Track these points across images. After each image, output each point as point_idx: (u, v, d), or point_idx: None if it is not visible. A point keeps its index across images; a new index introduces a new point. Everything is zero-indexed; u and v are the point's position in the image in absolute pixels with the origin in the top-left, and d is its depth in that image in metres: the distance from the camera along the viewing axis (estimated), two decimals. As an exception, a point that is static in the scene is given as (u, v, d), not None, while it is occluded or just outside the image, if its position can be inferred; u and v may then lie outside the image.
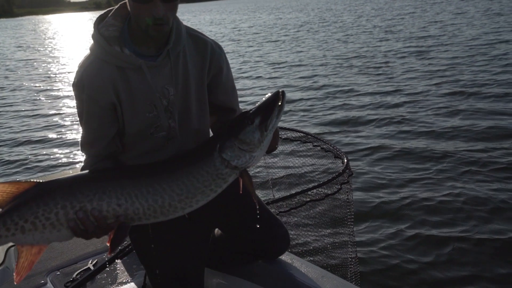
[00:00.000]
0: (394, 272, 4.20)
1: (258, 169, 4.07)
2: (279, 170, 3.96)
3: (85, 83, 2.06)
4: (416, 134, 7.61)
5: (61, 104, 13.41)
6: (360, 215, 5.02)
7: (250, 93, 12.38)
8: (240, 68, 16.51)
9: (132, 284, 2.96)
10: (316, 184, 3.02)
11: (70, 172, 4.45)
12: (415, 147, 6.98)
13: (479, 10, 28.33)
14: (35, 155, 8.97)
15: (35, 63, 24.63)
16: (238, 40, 27.35)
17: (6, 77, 20.28)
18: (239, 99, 2.48)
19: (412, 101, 9.62)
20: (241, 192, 2.01)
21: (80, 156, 8.47)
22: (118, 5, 2.13)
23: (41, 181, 1.90)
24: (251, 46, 23.43)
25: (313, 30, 28.28)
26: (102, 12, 2.21)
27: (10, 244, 3.19)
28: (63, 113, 12.19)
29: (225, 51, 2.32)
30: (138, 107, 2.11)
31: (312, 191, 3.01)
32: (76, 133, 10.11)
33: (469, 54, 14.06)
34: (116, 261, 3.03)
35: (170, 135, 2.20)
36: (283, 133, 3.58)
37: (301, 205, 3.01)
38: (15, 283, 1.86)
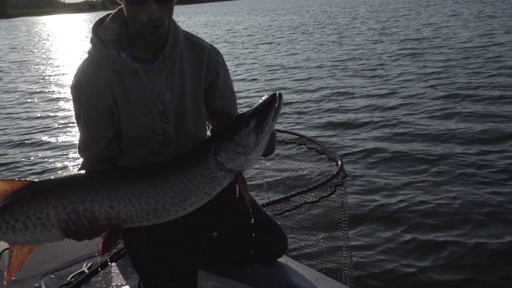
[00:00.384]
0: (390, 276, 4.19)
1: (252, 172, 4.05)
2: (274, 172, 3.95)
3: (82, 86, 2.07)
4: (412, 137, 7.61)
5: (55, 107, 13.32)
6: (356, 218, 5.01)
7: (245, 96, 12.36)
8: (235, 71, 16.48)
9: (127, 287, 2.95)
10: (310, 186, 3.01)
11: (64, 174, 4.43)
12: (410, 150, 6.98)
13: (473, 13, 28.48)
14: (28, 157, 8.91)
15: (29, 65, 24.49)
16: (233, 42, 27.31)
17: (-1, 79, 20.20)
18: (235, 101, 2.46)
19: (407, 104, 9.64)
20: (237, 196, 1.98)
21: (73, 159, 8.43)
22: (117, 9, 2.13)
23: (36, 180, 1.89)
24: (246, 48, 23.40)
25: (308, 32, 28.29)
26: (96, 13, 2.21)
27: (5, 246, 3.17)
28: (57, 116, 12.12)
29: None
30: (134, 111, 2.10)
31: (306, 193, 3.00)
32: (70, 136, 10.05)
33: (464, 57, 14.12)
34: (111, 264, 3.01)
35: (166, 140, 2.19)
36: (278, 135, 3.57)
37: (295, 208, 3.00)
38: (5, 283, 1.84)
